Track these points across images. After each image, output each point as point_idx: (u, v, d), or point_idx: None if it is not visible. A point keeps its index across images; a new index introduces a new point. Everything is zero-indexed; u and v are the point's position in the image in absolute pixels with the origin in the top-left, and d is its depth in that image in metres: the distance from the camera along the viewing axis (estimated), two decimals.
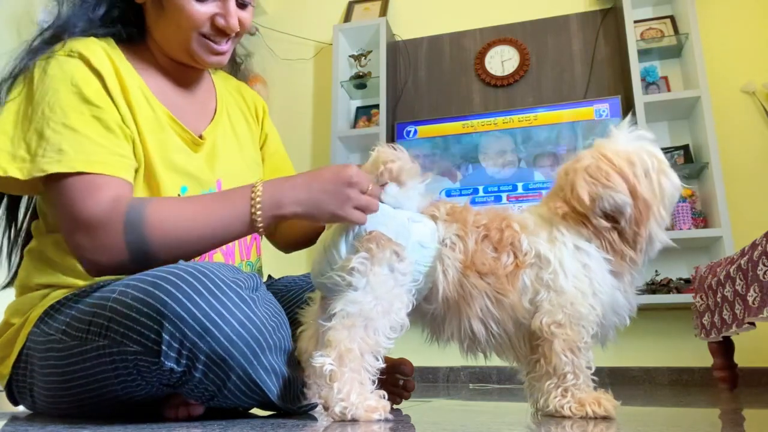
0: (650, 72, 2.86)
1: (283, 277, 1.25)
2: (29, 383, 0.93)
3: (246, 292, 0.82)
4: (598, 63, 3.00)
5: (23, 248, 1.05)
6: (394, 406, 1.14)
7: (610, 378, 2.60)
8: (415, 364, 1.26)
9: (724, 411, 1.20)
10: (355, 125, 3.27)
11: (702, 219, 2.65)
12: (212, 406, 0.86)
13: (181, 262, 0.84)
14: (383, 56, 3.12)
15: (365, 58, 3.28)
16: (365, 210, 0.88)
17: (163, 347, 0.75)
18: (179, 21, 0.99)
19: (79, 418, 0.88)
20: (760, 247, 1.59)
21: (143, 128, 0.96)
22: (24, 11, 2.85)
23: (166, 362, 0.76)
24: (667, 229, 0.94)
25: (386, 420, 0.79)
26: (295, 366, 0.89)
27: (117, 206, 0.86)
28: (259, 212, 0.88)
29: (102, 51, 0.96)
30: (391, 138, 3.07)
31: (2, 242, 1.06)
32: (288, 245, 1.26)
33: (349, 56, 3.32)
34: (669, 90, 2.85)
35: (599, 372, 0.89)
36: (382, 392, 0.82)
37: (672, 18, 2.94)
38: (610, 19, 3.03)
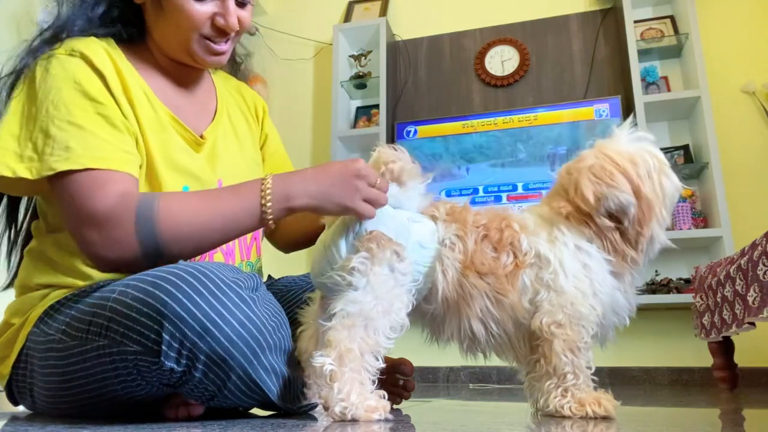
0: (650, 72, 2.86)
1: (283, 277, 1.25)
2: (29, 383, 0.93)
3: (246, 292, 0.82)
4: (598, 63, 3.00)
5: (23, 248, 1.05)
6: (394, 406, 1.14)
7: (610, 378, 2.60)
8: (415, 364, 1.26)
9: (724, 411, 1.20)
10: (355, 125, 3.27)
11: (702, 219, 2.65)
12: (212, 406, 0.86)
13: (181, 262, 0.84)
14: (383, 56, 3.12)
15: (365, 58, 3.28)
16: (374, 203, 0.88)
17: (163, 347, 0.75)
18: (179, 21, 0.99)
19: (79, 418, 0.88)
20: (760, 247, 1.59)
21: (145, 128, 0.97)
22: (24, 11, 2.85)
23: (166, 362, 0.76)
24: (667, 229, 0.95)
25: (386, 420, 0.79)
26: (295, 366, 0.89)
27: (127, 200, 0.86)
28: (269, 204, 0.89)
29: (103, 51, 0.96)
30: (391, 138, 3.07)
31: (2, 242, 1.06)
32: (288, 245, 1.26)
33: (349, 56, 3.32)
34: (669, 90, 2.85)
35: (599, 372, 0.89)
36: (382, 392, 0.82)
37: (672, 18, 2.94)
38: (610, 19, 3.03)
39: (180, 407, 0.87)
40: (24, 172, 0.87)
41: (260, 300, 0.84)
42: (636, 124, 0.97)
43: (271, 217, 0.89)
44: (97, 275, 0.93)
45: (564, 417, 0.86)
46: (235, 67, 1.30)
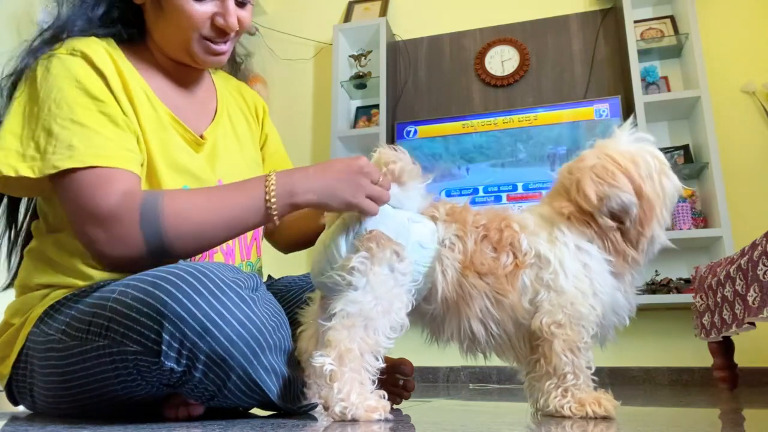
0: (650, 72, 2.86)
1: (283, 277, 1.25)
2: (29, 383, 0.93)
3: (246, 291, 0.82)
4: (598, 63, 3.00)
5: (23, 248, 1.05)
6: (394, 406, 1.14)
7: (610, 378, 2.60)
8: (415, 364, 1.26)
9: (724, 411, 1.20)
10: (355, 125, 3.27)
11: (702, 219, 2.65)
12: (212, 406, 0.86)
13: (181, 262, 0.84)
14: (383, 56, 3.12)
15: (365, 58, 3.28)
16: (377, 200, 0.89)
17: (163, 347, 0.75)
18: (179, 21, 0.99)
19: (79, 418, 0.88)
20: (760, 247, 1.59)
21: (146, 128, 0.97)
22: (24, 11, 2.85)
23: (166, 362, 0.76)
24: (667, 229, 0.95)
25: (386, 420, 0.79)
26: (295, 366, 0.89)
27: (131, 198, 0.86)
28: (273, 200, 0.89)
29: (104, 50, 0.96)
30: (391, 138, 3.07)
31: (2, 242, 1.06)
32: (288, 246, 1.26)
33: (349, 56, 3.32)
34: (669, 90, 2.85)
35: (599, 372, 0.89)
36: (382, 392, 0.82)
37: (672, 18, 2.94)
38: (610, 19, 3.03)
39: (180, 407, 0.87)
40: (26, 171, 0.87)
41: (260, 300, 0.84)
42: (636, 125, 0.97)
43: (276, 213, 0.89)
44: (97, 275, 0.93)
45: (564, 417, 0.86)
46: (235, 67, 1.30)
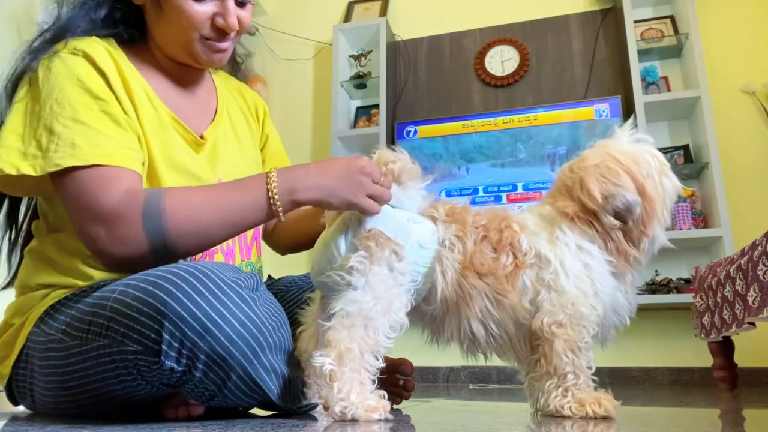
0: (650, 72, 2.86)
1: (283, 278, 1.25)
2: (29, 383, 0.93)
3: (246, 291, 0.82)
4: (598, 63, 3.00)
5: (23, 248, 1.05)
6: (394, 406, 1.14)
7: (610, 378, 2.60)
8: (415, 364, 1.27)
9: (724, 411, 1.20)
10: (355, 125, 3.27)
11: (702, 219, 2.65)
12: (212, 406, 0.86)
13: (181, 261, 0.84)
14: (383, 56, 3.12)
15: (365, 58, 3.28)
16: (378, 199, 0.89)
17: (164, 347, 0.75)
18: (179, 22, 0.99)
19: (79, 418, 0.88)
20: (760, 247, 1.59)
21: (146, 128, 0.97)
22: (24, 11, 2.85)
23: (166, 362, 0.76)
24: (667, 229, 0.95)
25: (386, 420, 0.79)
26: (295, 366, 0.89)
27: (133, 197, 0.86)
28: (277, 197, 0.89)
29: (105, 50, 0.96)
30: (391, 138, 3.08)
31: (2, 242, 1.06)
32: (286, 247, 1.26)
33: (349, 56, 3.32)
34: (669, 90, 2.85)
35: (599, 372, 0.89)
36: (382, 392, 0.82)
37: (672, 18, 2.94)
38: (610, 19, 3.03)
39: (180, 407, 0.87)
40: (28, 169, 0.87)
41: (260, 300, 0.84)
42: (636, 125, 0.97)
43: (281, 209, 0.89)
44: (98, 275, 0.93)
45: (564, 417, 0.86)
46: (236, 67, 1.30)
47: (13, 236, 1.07)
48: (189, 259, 0.94)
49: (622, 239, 0.91)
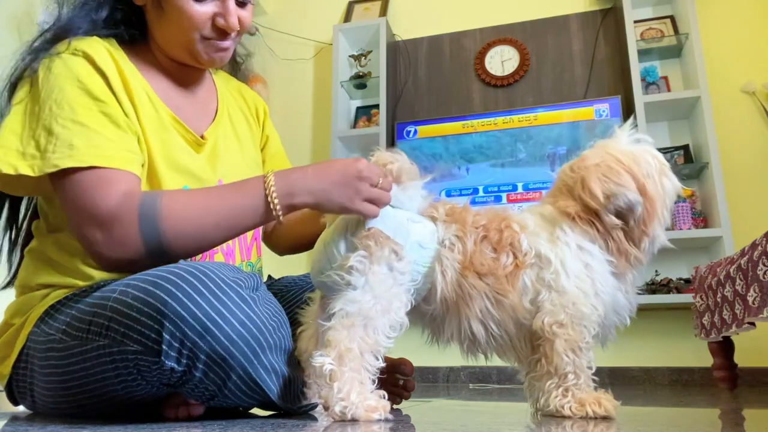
0: (650, 72, 2.86)
1: (283, 278, 1.25)
2: (29, 383, 0.93)
3: (246, 291, 0.82)
4: (598, 63, 3.00)
5: (23, 248, 1.05)
6: (394, 406, 1.14)
7: (610, 378, 2.60)
8: (415, 364, 1.27)
9: (724, 411, 1.20)
10: (355, 125, 3.27)
11: (702, 219, 2.65)
12: (212, 406, 0.86)
13: (182, 261, 0.84)
14: (383, 56, 3.12)
15: (365, 58, 3.28)
16: (377, 203, 0.89)
17: (164, 347, 0.75)
18: (179, 22, 0.99)
19: (79, 418, 0.88)
20: (760, 247, 1.59)
21: (146, 128, 0.97)
22: (24, 12, 2.85)
23: (166, 362, 0.76)
24: (667, 229, 0.96)
25: (386, 420, 0.79)
26: (295, 365, 0.89)
27: (130, 199, 0.86)
28: (276, 201, 0.89)
29: (105, 51, 0.96)
30: (391, 138, 3.08)
31: (3, 242, 1.06)
32: (285, 249, 1.26)
33: (349, 56, 3.32)
34: (669, 90, 2.85)
35: (599, 372, 0.89)
36: (382, 392, 0.82)
37: (672, 18, 2.94)
38: (610, 19, 3.03)
39: (180, 407, 0.87)
40: (26, 169, 0.87)
41: (260, 299, 0.84)
42: (636, 125, 0.97)
43: (281, 213, 0.89)
44: (98, 275, 0.93)
45: (564, 417, 0.86)
46: (236, 67, 1.30)
47: (13, 236, 1.07)
48: (189, 259, 0.94)
49: (623, 239, 0.91)
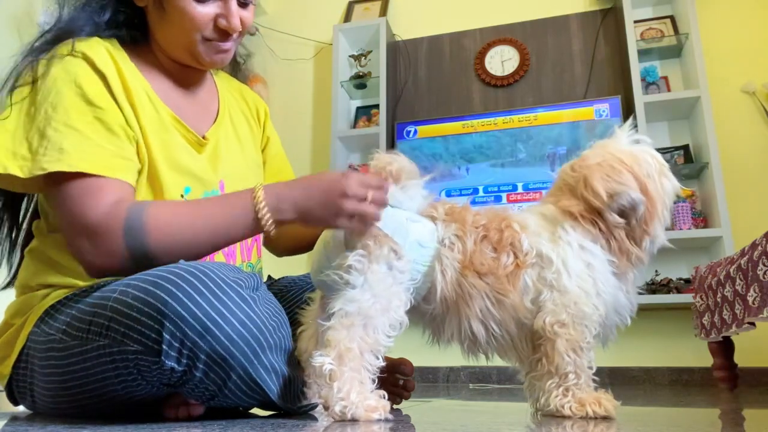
0: (650, 72, 2.86)
1: (283, 278, 1.25)
2: (29, 383, 0.93)
3: (246, 291, 0.82)
4: (598, 63, 3.00)
5: (24, 248, 1.05)
6: (394, 406, 1.14)
7: (610, 378, 2.60)
8: (415, 364, 1.27)
9: (724, 411, 1.20)
10: (355, 125, 3.28)
11: (702, 219, 2.65)
12: (212, 406, 0.86)
13: (182, 261, 0.84)
14: (383, 56, 3.12)
15: (365, 58, 3.28)
16: (364, 219, 0.86)
17: (164, 347, 0.75)
18: (181, 23, 0.99)
19: (79, 418, 0.88)
20: (760, 247, 1.59)
21: (147, 129, 0.96)
22: (24, 12, 2.85)
23: (166, 362, 0.76)
24: (667, 229, 0.96)
25: (386, 420, 0.79)
26: (296, 365, 0.89)
27: (117, 211, 0.86)
28: (267, 215, 0.88)
29: (105, 52, 0.96)
30: (391, 138, 3.08)
31: (3, 242, 1.06)
32: (284, 250, 1.27)
33: (349, 56, 3.32)
34: (669, 90, 2.85)
35: (599, 372, 0.89)
36: (382, 392, 0.82)
37: (672, 18, 2.94)
38: (610, 19, 3.03)
39: (180, 407, 0.87)
40: (15, 170, 0.87)
41: (260, 299, 0.84)
42: (636, 126, 0.98)
43: (272, 228, 0.89)
44: None
45: (564, 417, 0.86)
46: (236, 68, 1.30)
47: (13, 236, 1.06)
48: None
49: (625, 238, 0.91)
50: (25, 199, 1.07)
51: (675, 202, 0.97)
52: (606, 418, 0.85)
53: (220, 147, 1.10)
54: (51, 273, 0.96)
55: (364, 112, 3.29)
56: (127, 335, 0.77)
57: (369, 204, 0.86)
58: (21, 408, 1.03)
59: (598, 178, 0.90)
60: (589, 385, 0.88)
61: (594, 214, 0.91)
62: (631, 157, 0.92)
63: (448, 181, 2.95)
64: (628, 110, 2.76)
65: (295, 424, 0.80)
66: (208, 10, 0.99)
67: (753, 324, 1.69)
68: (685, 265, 2.65)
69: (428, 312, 0.92)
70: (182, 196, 1.00)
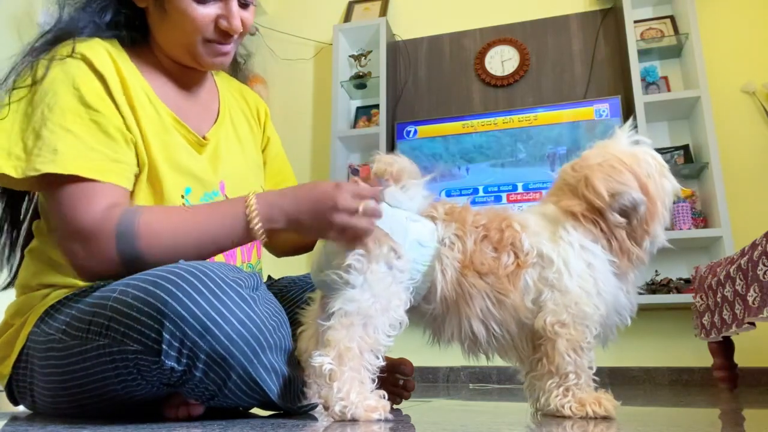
0: (650, 72, 2.86)
1: (282, 278, 1.25)
2: (29, 383, 0.93)
3: (246, 291, 0.82)
4: (598, 63, 3.00)
5: (24, 248, 1.05)
6: (394, 406, 1.14)
7: (610, 378, 2.60)
8: (415, 364, 1.27)
9: (724, 411, 1.20)
10: (355, 125, 3.28)
11: (702, 219, 2.65)
12: (212, 406, 0.86)
13: (182, 261, 0.84)
14: (383, 56, 3.12)
15: (365, 58, 3.28)
16: (353, 231, 0.85)
17: (164, 346, 0.75)
18: (183, 24, 0.99)
19: (79, 418, 0.88)
20: (760, 247, 1.59)
21: (147, 130, 0.96)
22: (24, 12, 2.85)
23: (166, 361, 0.76)
24: (667, 229, 0.96)
25: (386, 420, 0.79)
26: (295, 365, 0.89)
27: (109, 216, 0.86)
28: (258, 225, 0.88)
29: (105, 53, 0.96)
30: (391, 138, 3.08)
31: (3, 242, 1.06)
32: (284, 251, 1.26)
33: (349, 56, 3.32)
34: (669, 90, 2.85)
35: (599, 372, 0.89)
36: (382, 392, 0.82)
37: (672, 18, 2.94)
38: (610, 19, 3.03)
39: (180, 407, 0.87)
40: (9, 169, 0.87)
41: (260, 299, 0.84)
42: (636, 126, 0.98)
43: (264, 237, 0.89)
44: None
45: (564, 417, 0.86)
46: (236, 68, 1.30)
47: (13, 236, 1.07)
48: None
49: (626, 238, 0.91)
50: (26, 199, 1.07)
51: (675, 203, 0.98)
52: (606, 418, 0.85)
53: (221, 147, 1.10)
54: (51, 273, 0.96)
55: (364, 112, 3.29)
56: (127, 335, 0.77)
57: (360, 217, 0.85)
58: (21, 408, 1.03)
59: (600, 178, 0.90)
60: (590, 385, 0.88)
61: (595, 214, 0.91)
62: (631, 158, 0.92)
63: (448, 181, 2.95)
64: (628, 110, 2.76)
65: (295, 424, 0.80)
66: (208, 11, 0.99)
67: (753, 324, 1.69)
68: (685, 265, 2.65)
69: (428, 312, 0.92)
70: (182, 196, 1.00)
